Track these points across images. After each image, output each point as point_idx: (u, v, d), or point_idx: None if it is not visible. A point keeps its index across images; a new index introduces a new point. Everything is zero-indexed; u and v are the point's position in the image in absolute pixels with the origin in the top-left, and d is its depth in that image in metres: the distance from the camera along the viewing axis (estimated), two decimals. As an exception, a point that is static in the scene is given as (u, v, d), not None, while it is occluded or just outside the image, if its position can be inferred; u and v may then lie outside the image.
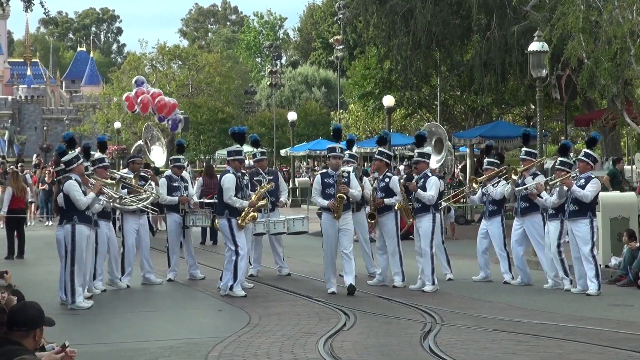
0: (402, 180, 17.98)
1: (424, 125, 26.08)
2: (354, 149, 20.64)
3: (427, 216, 16.93)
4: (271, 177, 19.11)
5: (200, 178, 26.47)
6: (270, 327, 13.07)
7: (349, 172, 16.57)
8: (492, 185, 18.05)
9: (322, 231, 16.68)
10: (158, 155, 25.03)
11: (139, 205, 17.80)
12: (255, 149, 19.97)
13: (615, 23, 23.53)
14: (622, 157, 33.52)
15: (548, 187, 16.68)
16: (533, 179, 17.24)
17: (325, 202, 16.25)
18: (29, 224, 32.90)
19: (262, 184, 17.62)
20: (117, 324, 13.93)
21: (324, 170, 17.06)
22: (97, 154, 17.76)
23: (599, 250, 17.61)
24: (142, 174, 18.68)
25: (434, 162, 20.71)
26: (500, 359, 10.89)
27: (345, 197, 16.15)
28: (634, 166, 36.04)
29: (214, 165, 44.54)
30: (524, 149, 18.29)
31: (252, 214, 16.53)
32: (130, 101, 35.17)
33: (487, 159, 18.99)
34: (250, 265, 19.04)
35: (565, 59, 25.16)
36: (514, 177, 17.55)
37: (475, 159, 37.90)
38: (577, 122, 35.95)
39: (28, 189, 27.63)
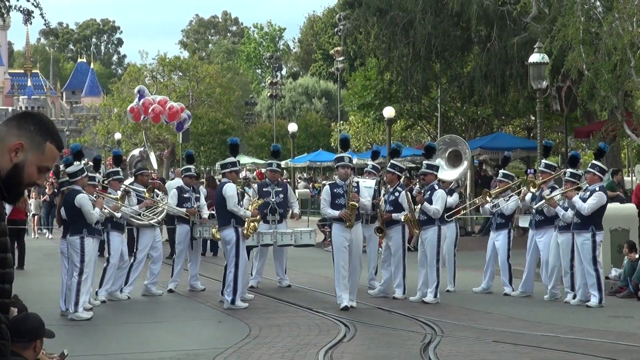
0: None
1: (444, 136, 26.01)
2: (355, 160, 20.61)
3: (432, 228, 16.86)
4: (280, 189, 19.13)
5: (204, 189, 26.51)
6: (270, 338, 13.06)
7: (357, 182, 16.34)
8: (504, 199, 18.03)
9: (332, 243, 16.48)
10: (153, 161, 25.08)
11: (153, 221, 17.88)
12: (274, 160, 19.86)
13: (615, 35, 23.57)
14: (621, 168, 33.51)
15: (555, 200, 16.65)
16: (551, 192, 17.18)
17: (336, 213, 15.90)
18: (33, 236, 32.71)
19: (253, 199, 17.68)
20: (117, 334, 13.93)
21: (333, 181, 16.80)
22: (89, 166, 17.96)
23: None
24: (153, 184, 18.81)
25: (450, 173, 20.64)
26: (501, 370, 10.89)
27: (357, 206, 15.90)
28: (634, 177, 36.05)
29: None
30: (543, 161, 18.17)
31: (252, 224, 16.66)
32: (137, 112, 35.04)
33: (502, 171, 18.94)
34: (251, 276, 19.05)
35: (565, 70, 25.20)
36: (532, 189, 17.54)
37: (476, 171, 37.91)
38: (578, 133, 35.98)
39: (29, 200, 27.61)
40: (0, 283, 4.24)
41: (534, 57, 23.82)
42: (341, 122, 62.33)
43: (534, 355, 11.66)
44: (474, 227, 32.92)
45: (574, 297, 16.52)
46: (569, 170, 16.88)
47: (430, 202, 16.84)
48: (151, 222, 17.88)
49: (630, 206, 20.60)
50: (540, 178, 17.76)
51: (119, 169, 18.03)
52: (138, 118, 35.52)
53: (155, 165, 27.03)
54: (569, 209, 16.37)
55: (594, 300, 15.94)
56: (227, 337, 13.26)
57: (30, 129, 4.23)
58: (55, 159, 4.33)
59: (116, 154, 18.93)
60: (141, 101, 34.81)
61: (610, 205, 19.49)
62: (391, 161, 17.82)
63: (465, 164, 21.82)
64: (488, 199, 18.27)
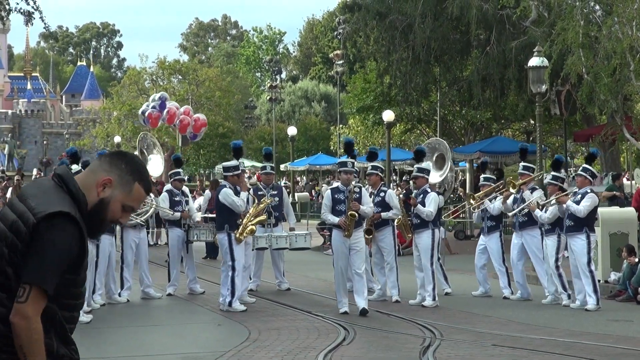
0: (401, 196, 17.94)
1: (427, 140, 26.07)
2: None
3: (426, 232, 16.89)
4: (275, 192, 19.11)
5: (208, 191, 26.52)
6: (269, 341, 13.06)
7: (360, 188, 16.10)
8: (490, 200, 18.06)
9: (332, 249, 16.30)
10: (157, 163, 24.91)
11: (140, 219, 17.87)
12: (266, 163, 19.89)
13: (614, 38, 23.59)
14: (621, 172, 33.52)
15: (541, 206, 16.69)
16: (531, 193, 17.27)
17: (336, 220, 15.63)
18: None
19: (262, 199, 17.65)
20: (116, 338, 13.93)
21: (335, 186, 16.50)
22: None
23: (598, 265, 17.63)
24: None
25: (436, 177, 20.67)
26: (500, 374, 10.90)
27: (357, 215, 15.64)
28: (633, 182, 36.02)
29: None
30: (521, 163, 18.29)
31: (250, 227, 16.60)
32: (155, 118, 34.92)
33: (482, 175, 19.02)
34: (250, 279, 19.04)
35: (564, 74, 25.21)
36: (512, 190, 17.58)
37: (474, 174, 37.95)
38: (577, 137, 35.98)
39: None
40: (70, 312, 4.39)
41: (534, 61, 23.86)
42: (340, 125, 62.37)
43: (532, 358, 11.66)
44: (473, 231, 32.93)
45: (569, 297, 16.55)
46: (552, 173, 16.91)
47: (424, 206, 16.86)
48: (139, 219, 17.86)
49: (630, 210, 20.63)
50: (520, 180, 17.82)
51: None
52: (155, 124, 35.49)
53: (160, 169, 26.72)
54: (548, 210, 16.41)
55: (591, 303, 15.96)
56: (227, 340, 13.27)
57: (121, 167, 4.34)
58: (142, 201, 4.42)
59: (101, 155, 18.69)
60: (165, 110, 34.71)
61: (609, 209, 19.56)
62: (371, 164, 17.73)
63: (447, 165, 21.89)
64: (472, 202, 18.34)
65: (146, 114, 35.49)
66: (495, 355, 11.87)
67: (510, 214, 17.56)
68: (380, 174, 17.68)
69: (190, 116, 35.33)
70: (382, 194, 17.35)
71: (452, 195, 37.61)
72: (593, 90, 24.33)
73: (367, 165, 17.98)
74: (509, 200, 17.75)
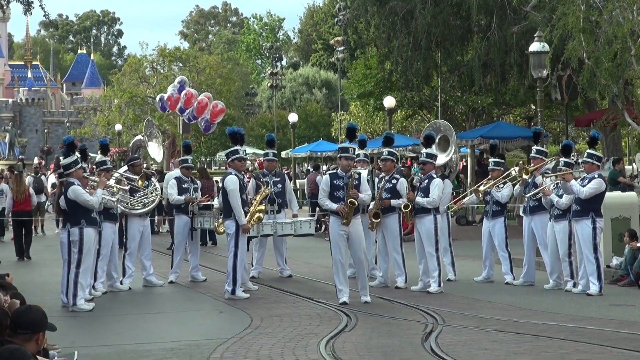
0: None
1: (430, 122, 25.93)
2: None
3: (428, 217, 16.77)
4: (278, 179, 19.09)
5: (198, 180, 26.45)
6: (271, 328, 13.08)
7: (359, 174, 15.66)
8: (497, 187, 17.98)
9: (329, 236, 15.92)
10: (154, 151, 24.94)
11: (146, 210, 17.86)
12: (269, 149, 19.78)
13: (615, 23, 23.53)
14: (622, 157, 33.48)
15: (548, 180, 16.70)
16: (543, 177, 17.15)
17: (334, 206, 15.23)
18: (39, 233, 31.65)
19: (261, 189, 17.59)
20: (118, 326, 13.93)
21: (333, 171, 15.95)
22: (98, 157, 17.88)
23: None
24: (146, 172, 18.73)
25: (442, 158, 20.60)
26: (502, 359, 10.91)
27: (356, 202, 15.30)
28: (634, 165, 36.03)
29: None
30: (534, 147, 18.10)
31: (257, 214, 16.66)
32: (174, 101, 34.89)
33: (492, 160, 18.87)
34: (252, 266, 19.05)
35: (565, 59, 25.15)
36: (524, 176, 17.47)
37: (476, 160, 37.90)
38: (578, 122, 35.91)
39: (33, 192, 27.19)
40: None
41: (534, 46, 23.78)
42: (341, 112, 62.33)
43: (534, 344, 11.67)
44: (475, 217, 32.90)
45: (574, 285, 16.54)
46: (562, 159, 16.80)
47: (428, 191, 16.77)
48: (147, 210, 17.88)
49: (631, 194, 20.61)
50: (532, 164, 17.74)
51: (107, 158, 17.83)
52: (174, 107, 35.48)
53: (159, 156, 26.66)
54: (564, 196, 16.36)
55: (593, 289, 15.95)
56: (229, 328, 13.28)
57: None
58: None
59: (102, 143, 18.55)
60: (183, 92, 34.74)
61: (611, 194, 19.49)
62: (387, 149, 17.58)
63: (452, 146, 21.81)
64: (482, 187, 18.25)
65: (165, 97, 35.47)
66: (498, 341, 11.89)
67: (527, 195, 17.46)
68: (395, 160, 17.61)
69: (209, 99, 35.50)
70: (394, 181, 17.25)
71: (454, 181, 37.40)
72: (594, 75, 24.27)
73: (383, 150, 17.78)
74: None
